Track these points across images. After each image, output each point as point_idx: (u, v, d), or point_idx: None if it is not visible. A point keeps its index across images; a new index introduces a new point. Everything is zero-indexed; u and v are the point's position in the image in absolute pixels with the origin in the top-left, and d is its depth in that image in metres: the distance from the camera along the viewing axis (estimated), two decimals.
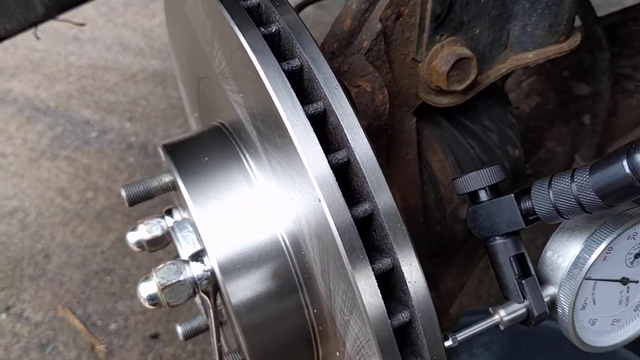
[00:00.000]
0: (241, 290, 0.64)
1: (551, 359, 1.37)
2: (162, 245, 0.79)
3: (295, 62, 0.56)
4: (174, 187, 0.74)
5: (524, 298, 0.59)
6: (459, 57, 0.71)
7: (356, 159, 0.53)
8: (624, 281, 0.61)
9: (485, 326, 0.58)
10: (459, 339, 0.56)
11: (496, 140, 0.83)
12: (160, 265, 0.66)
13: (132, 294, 1.90)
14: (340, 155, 0.53)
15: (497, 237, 0.60)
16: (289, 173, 0.57)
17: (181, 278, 0.65)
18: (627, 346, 0.64)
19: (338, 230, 0.51)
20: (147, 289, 0.66)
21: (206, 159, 0.70)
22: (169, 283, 0.64)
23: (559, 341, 1.33)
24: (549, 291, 0.60)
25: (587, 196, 0.51)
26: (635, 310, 0.64)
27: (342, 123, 0.53)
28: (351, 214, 0.51)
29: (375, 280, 0.51)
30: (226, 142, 0.72)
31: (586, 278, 0.58)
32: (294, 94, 0.53)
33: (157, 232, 0.77)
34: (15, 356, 1.75)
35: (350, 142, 0.53)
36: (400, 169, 0.78)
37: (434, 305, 0.52)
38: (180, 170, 0.69)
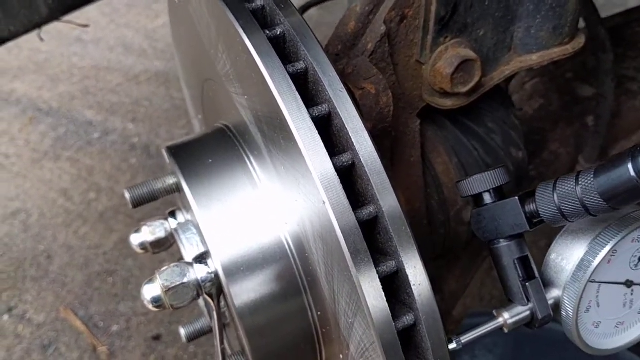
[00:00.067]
0: (245, 292, 0.64)
1: None
2: (166, 247, 0.79)
3: (300, 65, 0.56)
4: (178, 189, 0.74)
5: (528, 301, 0.59)
6: (463, 59, 0.71)
7: (361, 161, 0.53)
8: (628, 284, 0.61)
9: (489, 329, 0.58)
10: (463, 341, 0.56)
11: (500, 143, 0.83)
12: (164, 268, 0.66)
13: (134, 295, 1.90)
14: (345, 157, 0.53)
15: (501, 240, 0.60)
16: (293, 175, 0.57)
17: (185, 280, 0.65)
18: (631, 349, 0.64)
19: (342, 232, 0.51)
20: (151, 291, 0.66)
21: (210, 161, 0.70)
22: (173, 285, 0.64)
23: (562, 344, 1.33)
24: (553, 294, 0.60)
25: (591, 199, 0.51)
26: (639, 313, 0.64)
27: (347, 126, 0.53)
28: (356, 216, 0.51)
29: (379, 283, 0.51)
30: (230, 145, 0.72)
31: (590, 281, 0.58)
32: (298, 96, 0.53)
33: (161, 234, 0.77)
34: (17, 357, 1.75)
35: (355, 144, 0.53)
36: (404, 171, 0.78)
37: (438, 308, 0.52)
38: (184, 173, 0.69)
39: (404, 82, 0.74)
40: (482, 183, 0.59)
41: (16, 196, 2.26)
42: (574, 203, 0.52)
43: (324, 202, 0.51)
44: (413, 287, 0.52)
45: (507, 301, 0.61)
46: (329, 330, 0.65)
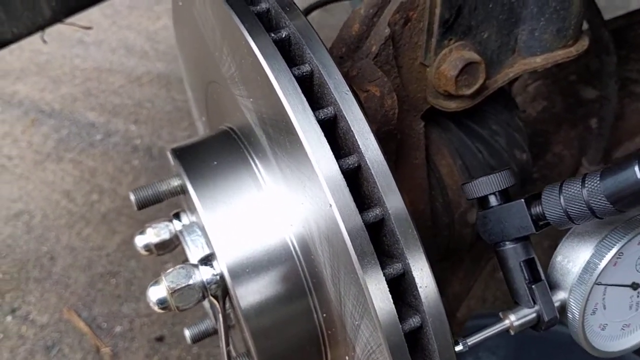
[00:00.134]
0: (250, 294, 0.64)
1: None
2: (170, 248, 0.79)
3: (306, 68, 0.56)
4: (182, 191, 0.74)
5: (534, 303, 0.59)
6: (467, 61, 0.71)
7: (367, 164, 0.53)
8: (635, 286, 0.61)
9: (495, 331, 0.58)
10: (469, 343, 0.56)
11: (504, 145, 0.83)
12: (170, 269, 0.66)
13: (137, 296, 1.90)
14: (351, 160, 0.54)
15: (507, 242, 0.60)
16: (299, 178, 0.57)
17: (190, 282, 0.65)
18: (637, 351, 0.64)
19: (349, 235, 0.51)
20: (156, 292, 0.66)
21: (215, 163, 0.70)
22: (179, 287, 0.65)
23: (566, 346, 1.33)
24: (559, 296, 0.60)
25: (598, 202, 0.51)
26: None
27: (352, 128, 0.53)
28: (362, 219, 0.52)
29: (386, 285, 0.51)
30: (235, 147, 0.72)
31: (597, 283, 0.58)
32: (304, 99, 0.53)
33: (165, 235, 0.77)
34: (20, 358, 1.76)
35: (361, 147, 0.53)
36: (408, 173, 0.78)
37: (445, 310, 0.52)
38: (189, 175, 0.69)
39: (408, 85, 0.74)
40: (487, 185, 0.59)
41: (19, 197, 2.26)
42: (580, 205, 0.52)
43: (330, 205, 0.51)
44: (420, 290, 0.52)
45: (513, 303, 0.61)
46: (334, 332, 0.65)
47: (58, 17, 1.17)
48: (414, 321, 0.53)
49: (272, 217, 0.66)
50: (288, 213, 0.64)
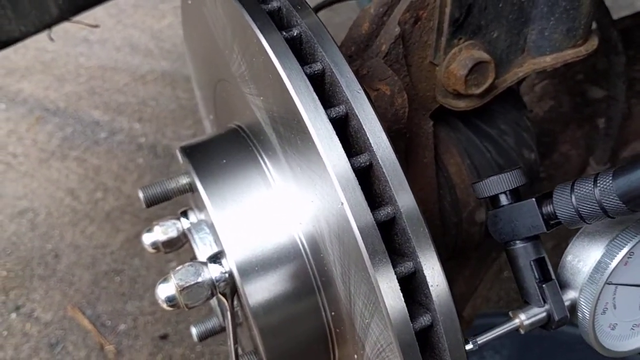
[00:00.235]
0: (259, 291, 0.64)
1: None
2: (178, 246, 0.79)
3: (317, 66, 0.56)
4: (191, 188, 0.74)
5: (545, 302, 0.59)
6: (476, 60, 0.71)
7: (379, 162, 0.53)
8: None
9: (505, 330, 0.58)
10: (479, 342, 0.56)
11: (512, 144, 0.83)
12: (179, 267, 0.66)
13: (141, 294, 1.91)
14: (363, 158, 0.54)
15: (517, 241, 0.60)
16: (309, 176, 0.57)
17: (199, 280, 0.65)
18: None
19: (361, 233, 0.51)
20: (165, 290, 0.66)
21: (224, 161, 0.71)
22: (188, 285, 0.65)
23: (569, 345, 1.33)
24: (569, 295, 0.60)
25: (610, 201, 0.51)
26: None
27: (364, 127, 0.53)
28: (373, 217, 0.52)
29: (397, 284, 0.51)
30: (244, 145, 0.72)
31: (607, 283, 0.58)
32: (316, 97, 0.54)
33: (173, 233, 0.78)
34: (25, 355, 1.76)
35: (372, 145, 0.53)
36: (417, 172, 0.78)
37: (455, 309, 0.52)
38: (198, 173, 0.69)
39: (418, 84, 0.74)
40: (498, 184, 0.59)
41: (24, 195, 2.27)
42: (592, 205, 0.52)
43: (341, 203, 0.51)
44: (431, 288, 0.52)
45: (523, 302, 0.61)
46: (342, 330, 0.65)
47: (65, 15, 1.17)
48: (424, 320, 0.53)
49: (281, 215, 0.66)
50: (297, 211, 0.64)
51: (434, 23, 0.71)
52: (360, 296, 0.55)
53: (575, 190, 0.54)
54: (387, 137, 0.54)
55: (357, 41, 0.75)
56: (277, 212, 0.66)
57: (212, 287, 0.65)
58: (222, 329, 0.81)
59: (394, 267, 0.52)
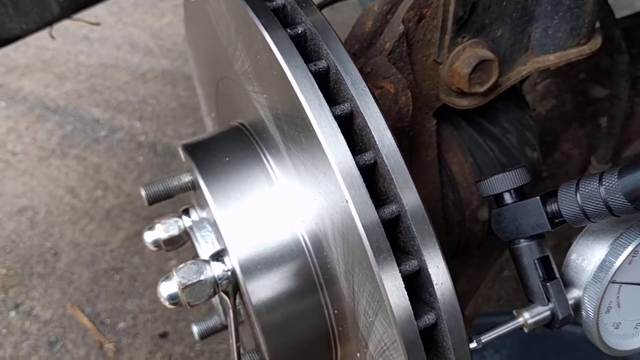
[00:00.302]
0: (262, 290, 0.64)
1: None
2: (179, 244, 0.79)
3: (322, 64, 0.56)
4: (193, 186, 0.74)
5: (549, 301, 0.59)
6: (480, 59, 0.71)
7: (383, 160, 0.53)
8: None
9: (509, 328, 0.58)
10: (483, 341, 0.56)
11: (515, 143, 0.83)
12: (181, 265, 0.66)
13: (140, 292, 1.90)
14: (367, 156, 0.54)
15: (521, 240, 0.60)
16: (313, 174, 0.57)
17: (202, 278, 0.65)
18: None
19: (365, 231, 0.51)
20: (167, 288, 0.66)
21: (227, 159, 0.70)
22: (190, 283, 0.64)
23: (570, 344, 1.33)
24: (573, 294, 0.60)
25: (615, 199, 0.51)
26: None
27: (369, 124, 0.53)
28: (378, 215, 0.51)
29: (402, 282, 0.51)
30: (247, 143, 0.72)
31: (612, 281, 0.58)
32: (321, 95, 0.53)
33: (174, 231, 0.77)
34: (24, 354, 1.76)
35: (377, 143, 0.53)
36: (420, 170, 0.78)
37: (460, 308, 0.52)
38: (201, 170, 0.69)
39: (421, 82, 0.74)
40: (503, 182, 0.59)
41: (23, 193, 2.27)
42: (597, 203, 0.52)
43: (346, 201, 0.51)
44: (435, 287, 0.52)
45: (527, 301, 0.61)
46: (345, 328, 0.65)
47: (66, 13, 1.17)
48: (428, 318, 0.53)
49: (284, 213, 0.66)
50: (300, 209, 0.64)
51: (437, 21, 0.71)
52: (364, 294, 0.55)
53: (581, 188, 0.54)
54: (392, 135, 0.54)
55: (361, 39, 0.75)
56: (280, 210, 0.66)
57: (215, 285, 0.65)
58: (224, 327, 0.81)
59: (399, 265, 0.52)
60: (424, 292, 0.54)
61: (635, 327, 0.62)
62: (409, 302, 0.51)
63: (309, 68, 0.55)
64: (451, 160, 0.80)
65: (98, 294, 1.90)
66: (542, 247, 0.59)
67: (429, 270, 0.52)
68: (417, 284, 0.54)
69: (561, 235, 0.61)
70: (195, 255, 0.73)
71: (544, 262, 0.60)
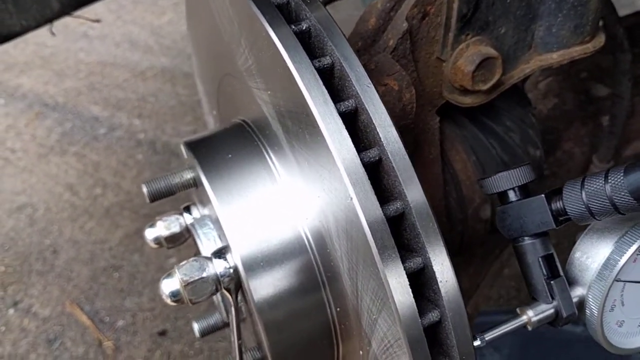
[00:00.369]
0: (264, 287, 0.64)
1: None
2: (180, 242, 0.79)
3: (327, 60, 0.56)
4: (195, 183, 0.73)
5: (553, 299, 0.59)
6: (484, 56, 0.70)
7: (388, 157, 0.53)
8: None
9: (513, 326, 0.58)
10: (486, 339, 0.56)
11: (518, 141, 0.83)
12: (183, 262, 0.66)
13: (140, 290, 1.90)
14: (372, 153, 0.53)
15: (525, 238, 0.60)
16: (317, 170, 0.56)
17: (204, 275, 0.65)
18: None
19: (370, 228, 0.51)
20: (169, 285, 0.65)
21: (229, 156, 0.70)
22: (192, 280, 0.64)
23: (570, 344, 1.33)
24: (577, 292, 0.60)
25: (621, 197, 0.51)
26: None
27: (374, 121, 0.53)
28: (383, 212, 0.51)
29: (406, 279, 0.51)
30: (249, 140, 0.71)
31: (616, 280, 0.57)
32: (326, 91, 0.53)
33: (176, 228, 0.77)
34: (22, 351, 1.75)
35: (382, 140, 0.53)
36: (423, 168, 0.77)
37: (464, 306, 0.52)
38: (203, 167, 0.69)
39: (424, 79, 0.74)
40: (508, 180, 0.59)
41: (22, 190, 2.26)
42: (602, 201, 0.52)
43: (350, 198, 0.51)
44: (440, 284, 0.52)
45: (531, 299, 0.61)
46: (347, 325, 0.65)
47: (66, 9, 1.17)
48: (433, 315, 0.53)
49: (287, 210, 0.65)
50: (303, 206, 0.63)
51: (441, 18, 0.71)
52: (368, 292, 0.54)
53: (586, 186, 0.53)
54: (397, 132, 0.53)
55: (364, 36, 0.74)
56: (282, 207, 0.66)
57: (217, 282, 0.65)
58: (224, 325, 0.81)
59: (403, 262, 0.51)
60: (428, 290, 0.54)
61: (639, 325, 0.62)
62: (413, 300, 0.51)
63: (313, 64, 0.55)
64: (454, 158, 0.80)
65: (97, 291, 1.90)
66: (546, 245, 0.59)
67: (434, 267, 0.52)
68: (421, 282, 0.54)
69: (562, 234, 0.61)
70: (197, 253, 0.73)
71: (548, 260, 0.60)
